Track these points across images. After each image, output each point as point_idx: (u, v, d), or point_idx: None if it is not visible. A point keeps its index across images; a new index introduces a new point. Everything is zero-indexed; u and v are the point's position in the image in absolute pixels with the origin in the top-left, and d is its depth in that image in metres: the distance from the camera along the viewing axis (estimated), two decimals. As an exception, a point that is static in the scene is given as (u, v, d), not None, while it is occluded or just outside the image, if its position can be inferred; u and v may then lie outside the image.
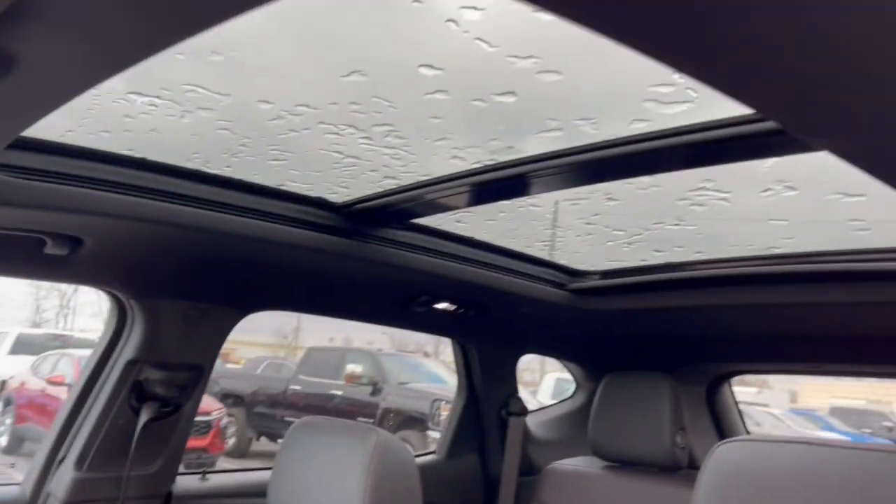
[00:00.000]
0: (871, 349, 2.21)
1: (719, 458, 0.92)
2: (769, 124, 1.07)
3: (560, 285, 2.36)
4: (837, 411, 18.23)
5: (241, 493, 2.21)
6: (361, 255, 1.90)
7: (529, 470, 2.61)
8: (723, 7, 0.51)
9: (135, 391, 1.91)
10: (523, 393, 2.85)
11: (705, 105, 1.11)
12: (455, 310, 2.30)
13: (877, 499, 0.76)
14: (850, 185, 1.42)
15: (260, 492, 1.91)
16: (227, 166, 1.63)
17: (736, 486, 0.88)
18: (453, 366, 2.80)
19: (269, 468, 1.89)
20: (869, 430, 16.35)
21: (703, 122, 1.18)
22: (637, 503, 2.15)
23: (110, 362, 1.93)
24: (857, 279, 1.80)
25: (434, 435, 8.76)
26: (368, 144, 1.47)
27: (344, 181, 1.72)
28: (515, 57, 1.05)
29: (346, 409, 10.22)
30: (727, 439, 0.95)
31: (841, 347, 2.28)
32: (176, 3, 0.57)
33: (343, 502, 1.51)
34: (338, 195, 1.81)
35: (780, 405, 18.97)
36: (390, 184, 1.71)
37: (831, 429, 15.05)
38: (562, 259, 2.32)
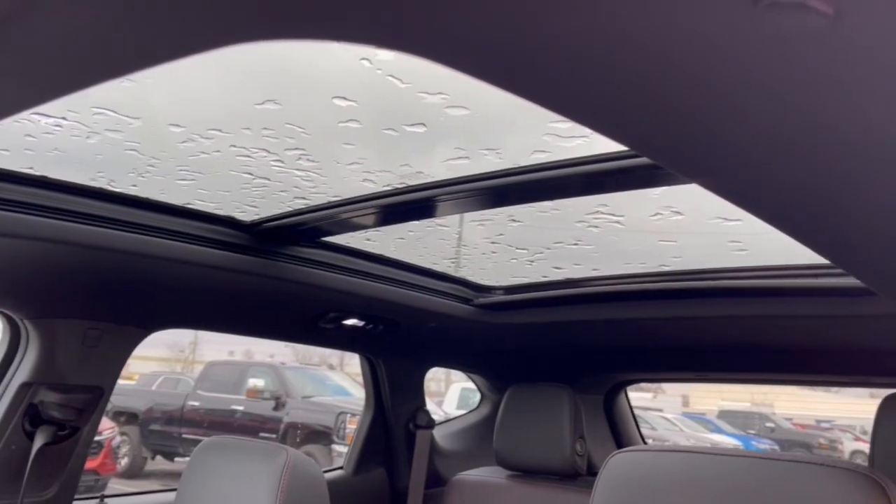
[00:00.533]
0: (750, 358, 2.40)
1: (613, 467, 0.99)
2: (651, 158, 1.17)
3: (466, 300, 2.43)
4: (725, 414, 19.25)
5: None
6: (270, 273, 1.90)
7: (436, 481, 2.66)
8: (593, 58, 0.57)
9: (29, 414, 1.84)
10: (429, 404, 2.91)
11: (600, 139, 1.20)
12: (364, 325, 2.33)
13: (756, 502, 0.85)
14: (729, 210, 1.55)
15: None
16: (133, 185, 1.60)
17: (629, 495, 0.96)
18: (359, 378, 2.82)
19: (173, 489, 1.86)
20: (753, 431, 17.35)
21: (597, 155, 1.27)
22: (539, 509, 2.23)
23: (2, 384, 1.85)
24: (736, 295, 1.96)
25: (339, 449, 8.68)
26: (280, 167, 1.49)
27: (254, 201, 1.72)
28: (426, 93, 1.11)
29: (248, 425, 9.98)
30: (620, 450, 1.03)
31: (725, 356, 2.46)
32: (104, 47, 0.58)
33: None
34: (246, 214, 1.82)
35: (674, 409, 19.85)
36: (300, 204, 1.73)
37: (720, 431, 15.85)
38: (468, 275, 2.40)
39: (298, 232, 1.86)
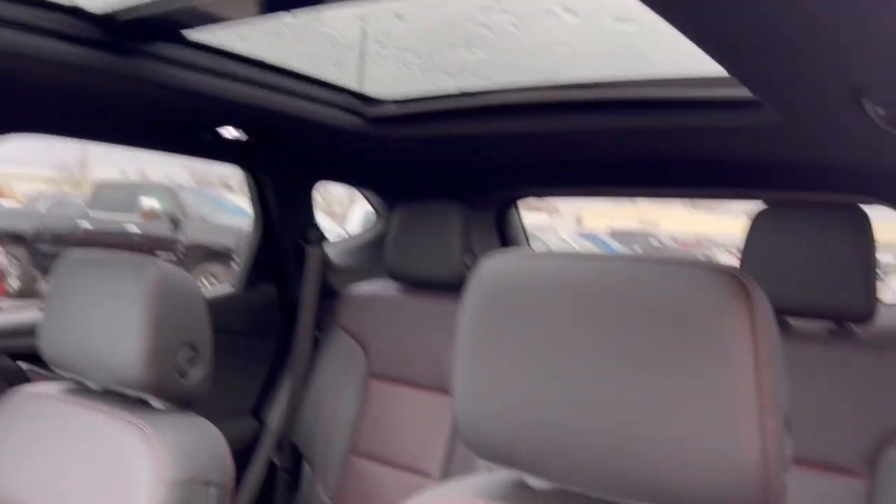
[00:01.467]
0: (642, 172, 2.42)
1: (483, 270, 0.96)
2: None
3: (355, 112, 2.30)
4: (616, 234, 20.36)
5: (6, 334, 2.05)
6: (130, 74, 1.71)
7: (330, 296, 2.67)
8: None
9: None
10: (333, 225, 2.84)
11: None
12: (243, 137, 2.19)
13: (627, 301, 0.84)
14: (625, 10, 1.46)
15: (30, 332, 1.79)
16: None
17: (498, 296, 0.94)
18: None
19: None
20: (640, 249, 18.53)
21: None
22: (428, 319, 2.28)
23: None
24: (631, 107, 1.92)
25: (239, 268, 8.72)
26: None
27: (99, -16, 1.50)
28: None
29: (144, 245, 9.85)
30: (492, 252, 0.99)
31: (617, 171, 2.48)
32: None
33: (121, 338, 1.44)
34: (94, 2, 1.58)
35: (569, 230, 20.79)
36: (156, -10, 1.51)
37: (609, 249, 16.86)
38: (354, 85, 2.25)
39: (159, 27, 1.65)
